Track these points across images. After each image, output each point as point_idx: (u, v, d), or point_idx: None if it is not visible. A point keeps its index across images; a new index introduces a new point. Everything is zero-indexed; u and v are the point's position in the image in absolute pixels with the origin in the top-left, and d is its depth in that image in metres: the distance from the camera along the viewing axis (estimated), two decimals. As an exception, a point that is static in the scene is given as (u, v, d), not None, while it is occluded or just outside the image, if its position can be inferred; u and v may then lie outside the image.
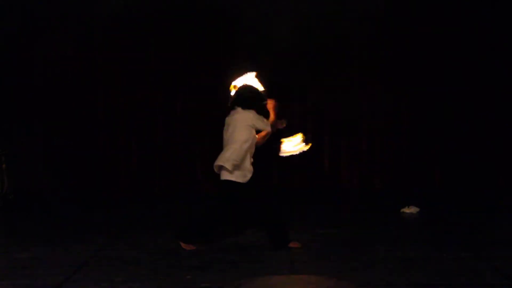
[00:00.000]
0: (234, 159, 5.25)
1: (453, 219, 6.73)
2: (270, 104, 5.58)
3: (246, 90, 5.49)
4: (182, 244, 5.41)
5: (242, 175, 5.28)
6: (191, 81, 8.81)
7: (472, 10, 8.50)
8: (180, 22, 8.71)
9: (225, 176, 5.31)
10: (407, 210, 7.17)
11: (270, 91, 5.77)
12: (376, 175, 8.89)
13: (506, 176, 8.65)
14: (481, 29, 8.53)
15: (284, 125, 5.74)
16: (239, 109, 5.41)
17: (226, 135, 5.46)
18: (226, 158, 5.28)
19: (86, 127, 8.81)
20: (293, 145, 5.71)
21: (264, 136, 5.48)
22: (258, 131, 5.44)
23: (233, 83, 5.65)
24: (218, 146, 8.70)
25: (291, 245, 5.40)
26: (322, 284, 4.32)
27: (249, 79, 5.64)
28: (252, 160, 5.39)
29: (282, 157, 5.79)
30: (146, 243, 5.78)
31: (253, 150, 5.40)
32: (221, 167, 5.32)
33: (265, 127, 5.43)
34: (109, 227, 6.61)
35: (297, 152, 5.72)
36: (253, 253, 5.13)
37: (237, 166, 5.26)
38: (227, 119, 5.51)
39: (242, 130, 5.33)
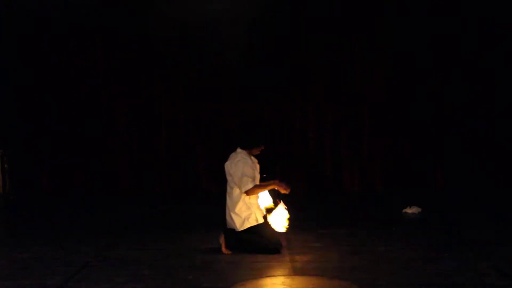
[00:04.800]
0: None
1: (454, 219, 6.73)
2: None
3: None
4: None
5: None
6: (191, 81, 8.82)
7: (472, 10, 8.50)
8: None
9: None
10: (409, 210, 7.17)
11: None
12: (378, 176, 8.90)
13: (506, 176, 8.65)
14: (481, 29, 8.54)
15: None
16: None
17: None
18: None
19: (86, 127, 8.82)
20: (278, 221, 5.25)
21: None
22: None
23: None
24: (218, 146, 8.78)
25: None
26: (322, 284, 4.33)
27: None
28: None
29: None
30: (147, 243, 5.78)
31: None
32: None
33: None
34: (109, 227, 6.61)
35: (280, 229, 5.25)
36: (253, 254, 5.13)
37: None
38: None
39: None
